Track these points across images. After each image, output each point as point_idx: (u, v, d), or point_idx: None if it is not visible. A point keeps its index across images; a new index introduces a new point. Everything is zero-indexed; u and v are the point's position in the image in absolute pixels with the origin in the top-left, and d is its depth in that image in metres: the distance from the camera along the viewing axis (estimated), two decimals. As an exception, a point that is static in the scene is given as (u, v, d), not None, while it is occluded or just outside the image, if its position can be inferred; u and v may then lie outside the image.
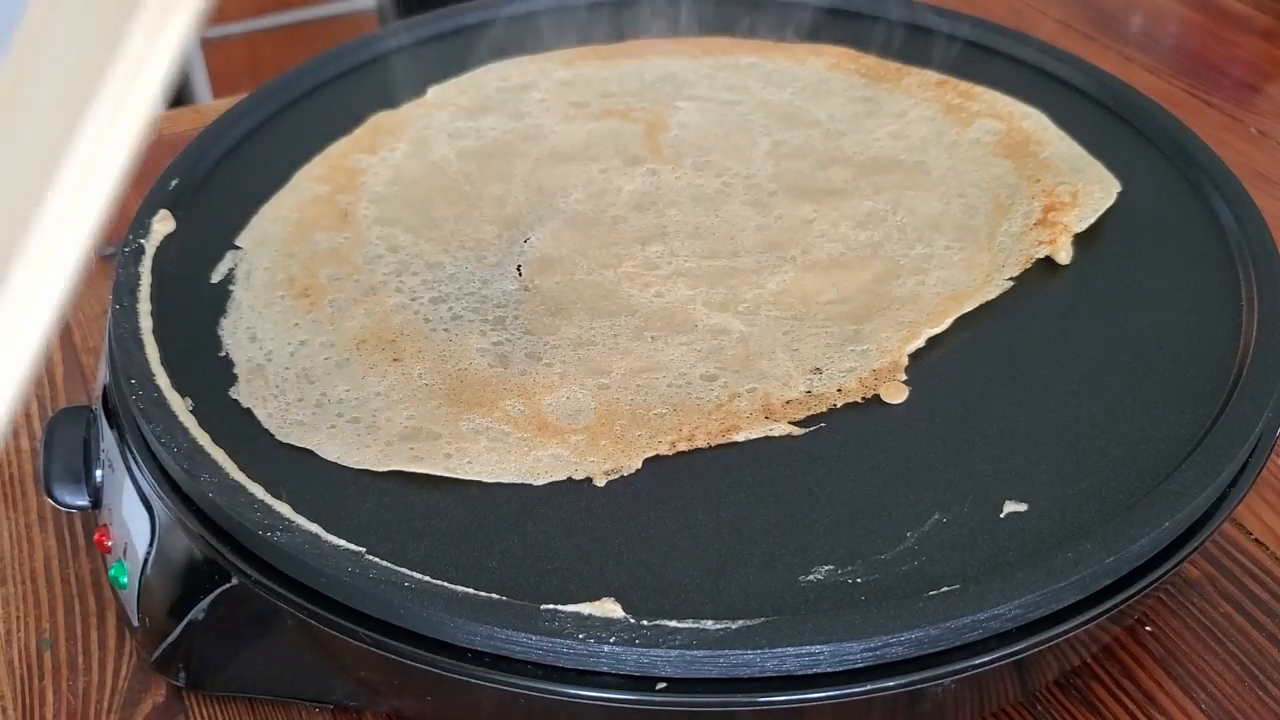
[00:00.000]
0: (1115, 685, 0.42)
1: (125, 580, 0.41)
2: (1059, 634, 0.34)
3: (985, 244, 0.48)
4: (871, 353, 0.43)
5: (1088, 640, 0.40)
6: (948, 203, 0.50)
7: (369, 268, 0.47)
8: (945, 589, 0.34)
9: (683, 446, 0.40)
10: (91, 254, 0.61)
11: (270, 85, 0.58)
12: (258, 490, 0.37)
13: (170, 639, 0.40)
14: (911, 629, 0.33)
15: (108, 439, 0.43)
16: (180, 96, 1.67)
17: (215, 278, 0.47)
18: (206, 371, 0.42)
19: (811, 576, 0.35)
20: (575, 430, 0.40)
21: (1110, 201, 0.49)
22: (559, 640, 0.33)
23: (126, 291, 0.45)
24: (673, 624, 0.33)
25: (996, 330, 0.44)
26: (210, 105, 0.85)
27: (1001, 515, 0.37)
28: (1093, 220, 0.49)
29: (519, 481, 0.39)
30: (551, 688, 0.33)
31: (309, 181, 0.52)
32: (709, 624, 0.33)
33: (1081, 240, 0.48)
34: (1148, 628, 0.43)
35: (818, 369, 0.43)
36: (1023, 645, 0.34)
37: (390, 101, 0.57)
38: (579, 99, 0.58)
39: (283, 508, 0.37)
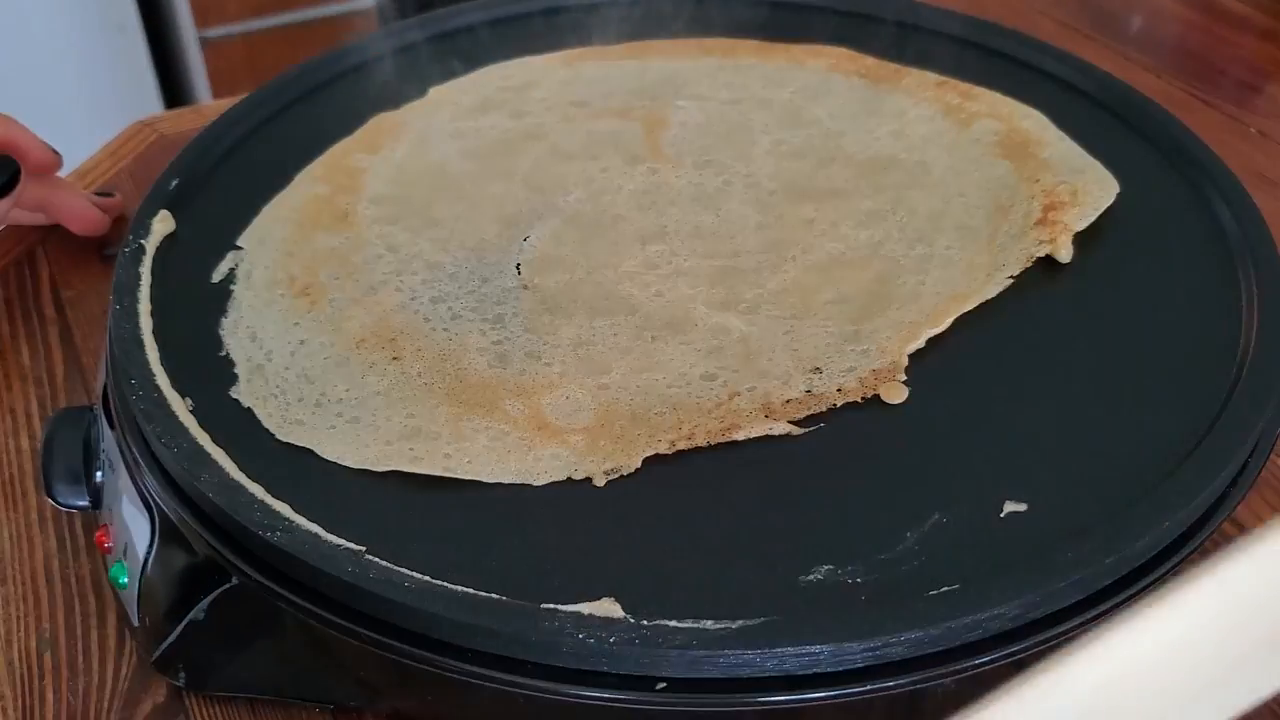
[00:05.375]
0: (1115, 685, 0.41)
1: (125, 580, 0.41)
2: (1059, 634, 0.34)
3: (985, 244, 0.48)
4: (871, 352, 0.43)
5: (1088, 640, 0.40)
6: (948, 202, 0.50)
7: (369, 267, 0.47)
8: (945, 589, 0.34)
9: (682, 446, 0.40)
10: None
11: (270, 85, 0.58)
12: (258, 490, 0.37)
13: (170, 639, 0.40)
14: (912, 629, 0.33)
15: (108, 439, 0.43)
16: (180, 96, 1.67)
17: (216, 277, 0.47)
18: (206, 371, 0.42)
19: (811, 576, 0.35)
20: (575, 430, 0.40)
21: (1110, 201, 0.49)
22: (559, 640, 0.33)
23: (126, 291, 0.45)
24: (673, 624, 0.33)
25: (997, 330, 0.44)
26: (210, 105, 0.85)
27: (1001, 515, 0.37)
28: (1093, 219, 0.49)
29: (518, 481, 0.39)
30: (551, 688, 0.33)
31: (309, 181, 0.52)
32: (709, 624, 0.33)
33: (1081, 241, 0.48)
34: (1148, 627, 0.43)
35: (818, 368, 0.42)
36: (1023, 645, 0.34)
37: (391, 101, 0.57)
38: (579, 98, 0.58)
39: (282, 507, 0.37)
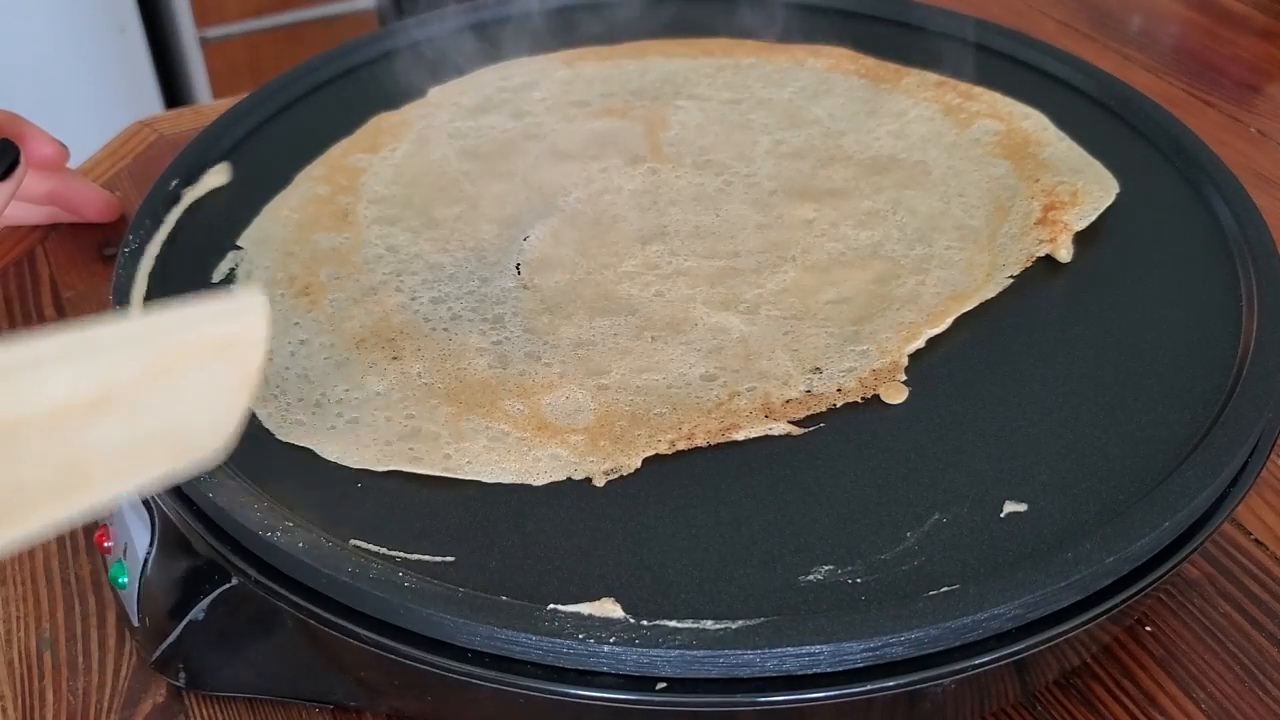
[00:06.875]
0: (1115, 685, 0.42)
1: (125, 580, 0.41)
2: (1059, 634, 0.34)
3: (985, 244, 0.48)
4: (871, 353, 0.43)
5: (1087, 640, 0.40)
6: (948, 202, 0.50)
7: (369, 267, 0.47)
8: (945, 589, 0.34)
9: (682, 446, 0.40)
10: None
11: (270, 85, 0.58)
12: (258, 490, 0.37)
13: (170, 639, 0.40)
14: (911, 629, 0.33)
15: (108, 439, 0.43)
16: (180, 96, 1.67)
17: (216, 277, 0.47)
18: (206, 371, 0.42)
19: (811, 576, 0.35)
20: (574, 430, 0.40)
21: (1109, 201, 0.49)
22: (559, 640, 0.33)
23: (126, 292, 0.45)
24: (672, 624, 0.33)
25: (996, 330, 0.44)
26: (210, 105, 0.85)
27: (1001, 515, 0.37)
28: (1092, 219, 0.49)
29: (518, 482, 0.39)
30: (551, 688, 0.33)
31: (309, 181, 0.52)
32: (709, 624, 0.33)
33: (1081, 241, 0.48)
34: (1147, 628, 0.43)
35: (818, 369, 0.43)
36: (1022, 645, 0.34)
37: (391, 101, 0.57)
38: (579, 98, 0.58)
39: (282, 508, 0.37)
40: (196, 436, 0.30)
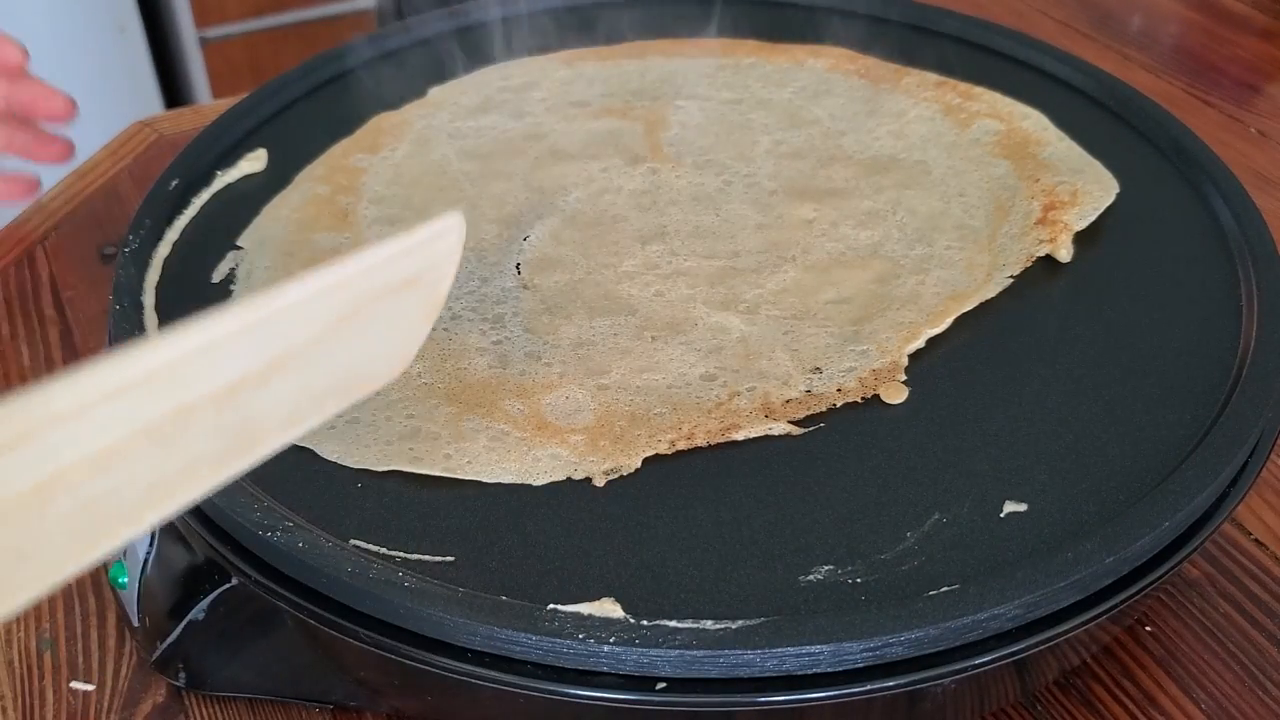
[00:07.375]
0: (1115, 685, 0.42)
1: (125, 580, 0.41)
2: (1059, 634, 0.34)
3: (985, 243, 0.48)
4: (871, 352, 0.43)
5: (1087, 640, 0.40)
6: (948, 202, 0.50)
7: (369, 268, 0.47)
8: (945, 589, 0.34)
9: (682, 446, 0.40)
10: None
11: (270, 85, 0.58)
12: (258, 490, 0.37)
13: (170, 639, 0.40)
14: (911, 629, 0.33)
15: (108, 439, 0.43)
16: (180, 96, 1.67)
17: (216, 278, 0.47)
18: (206, 371, 0.42)
19: (811, 576, 0.35)
20: (574, 430, 0.40)
21: (1109, 200, 0.49)
22: (559, 640, 0.33)
23: (127, 292, 0.45)
24: (672, 624, 0.33)
25: (996, 330, 0.44)
26: (210, 105, 0.85)
27: (1001, 515, 0.37)
28: (1092, 219, 0.49)
29: (518, 482, 0.39)
30: (551, 688, 0.33)
31: (310, 181, 0.52)
32: (709, 624, 0.33)
33: (1081, 241, 0.48)
34: (1147, 628, 0.43)
35: (817, 368, 0.43)
36: (1022, 645, 0.34)
37: (391, 102, 0.57)
38: (580, 98, 0.58)
39: (282, 508, 0.37)
40: (373, 370, 0.27)
